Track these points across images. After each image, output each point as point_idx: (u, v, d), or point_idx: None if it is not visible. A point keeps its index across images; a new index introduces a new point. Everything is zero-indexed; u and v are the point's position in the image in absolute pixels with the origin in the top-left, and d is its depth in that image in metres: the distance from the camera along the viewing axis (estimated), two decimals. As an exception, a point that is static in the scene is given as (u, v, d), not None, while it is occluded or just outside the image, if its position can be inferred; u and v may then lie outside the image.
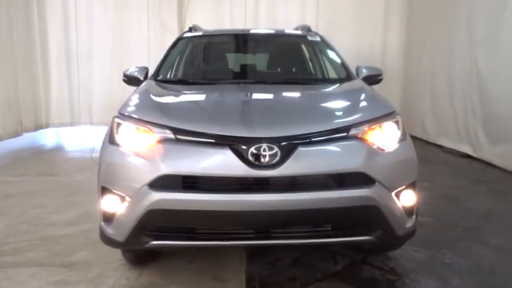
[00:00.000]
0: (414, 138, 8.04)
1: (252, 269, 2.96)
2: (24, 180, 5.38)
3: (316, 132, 2.32)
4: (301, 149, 2.26)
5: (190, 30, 4.23)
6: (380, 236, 2.43)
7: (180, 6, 8.78)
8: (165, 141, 2.34)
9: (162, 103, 2.78)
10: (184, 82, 3.46)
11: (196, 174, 2.25)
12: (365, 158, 2.32)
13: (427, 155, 6.96)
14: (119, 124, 2.52)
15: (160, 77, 3.44)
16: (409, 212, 2.57)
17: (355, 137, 2.40)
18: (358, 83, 3.27)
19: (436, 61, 7.64)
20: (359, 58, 8.93)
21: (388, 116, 2.61)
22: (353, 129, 2.42)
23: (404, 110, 8.97)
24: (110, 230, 2.46)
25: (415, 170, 2.60)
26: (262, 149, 2.22)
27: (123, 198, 2.37)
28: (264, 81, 3.39)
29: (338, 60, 3.71)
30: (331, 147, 2.33)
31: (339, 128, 2.39)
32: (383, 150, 2.43)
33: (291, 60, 4.11)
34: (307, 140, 2.30)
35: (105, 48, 8.82)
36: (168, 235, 2.37)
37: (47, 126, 8.95)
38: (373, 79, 3.61)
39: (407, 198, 2.53)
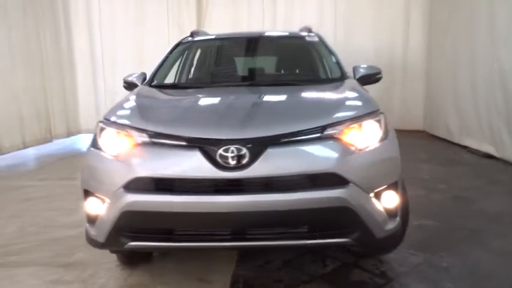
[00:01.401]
0: (439, 139, 7.94)
1: (239, 271, 2.98)
2: (45, 184, 5.60)
3: (286, 134, 2.31)
4: (270, 150, 2.26)
5: (191, 35, 4.29)
6: (358, 239, 2.38)
7: (199, 11, 8.93)
8: (141, 144, 2.40)
9: (144, 107, 2.83)
10: (176, 86, 3.51)
11: (166, 177, 2.29)
12: (338, 158, 2.29)
13: (449, 156, 6.77)
14: (102, 129, 2.61)
15: (155, 82, 3.52)
16: (391, 213, 2.50)
17: (330, 137, 2.37)
18: (348, 82, 3.22)
19: (458, 59, 7.40)
20: (379, 57, 8.82)
21: (369, 115, 2.57)
22: (328, 129, 2.38)
23: (428, 110, 8.78)
24: (92, 231, 2.54)
25: (396, 170, 2.53)
26: (230, 151, 2.23)
27: (103, 201, 2.44)
28: (255, 83, 3.40)
29: (333, 61, 3.68)
30: (303, 148, 2.31)
31: (311, 128, 2.36)
32: (360, 150, 2.39)
33: (287, 61, 4.10)
34: (276, 141, 2.29)
35: (128, 55, 9.07)
36: (145, 236, 2.42)
37: (77, 132, 9.27)
38: (371, 78, 3.56)
39: (388, 199, 2.47)
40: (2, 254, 3.41)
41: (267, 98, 2.97)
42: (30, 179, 5.89)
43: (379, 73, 3.58)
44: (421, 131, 8.94)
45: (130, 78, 3.68)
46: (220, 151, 2.24)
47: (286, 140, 2.31)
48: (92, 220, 2.54)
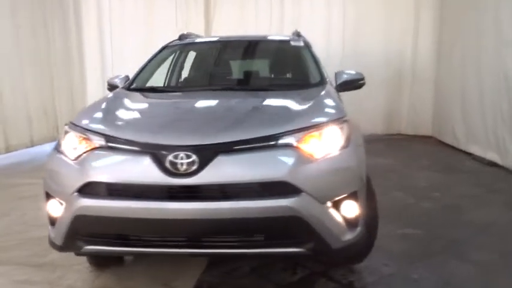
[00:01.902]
0: (445, 145, 7.77)
1: (205, 277, 2.96)
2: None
3: (237, 141, 2.28)
4: (220, 157, 2.23)
5: (180, 38, 4.28)
6: (313, 249, 2.33)
7: (207, 10, 8.96)
8: (98, 149, 2.41)
9: (108, 112, 2.82)
10: (153, 90, 3.49)
11: (118, 182, 2.29)
12: (291, 166, 2.24)
13: (452, 163, 6.59)
14: (66, 132, 2.62)
15: (134, 85, 3.51)
16: (351, 223, 2.44)
17: (285, 145, 2.32)
18: (322, 89, 3.14)
19: (466, 66, 7.18)
20: (388, 62, 8.69)
21: (332, 122, 2.51)
22: (285, 136, 2.33)
23: (436, 116, 8.60)
24: (52, 234, 2.55)
25: (355, 179, 2.45)
26: (179, 157, 2.22)
27: (61, 204, 2.45)
28: (231, 88, 3.36)
29: (314, 66, 3.60)
30: (255, 156, 2.27)
31: (265, 136, 2.31)
32: (317, 158, 2.33)
33: (267, 66, 4.05)
34: (227, 148, 2.26)
35: (138, 53, 9.08)
36: (101, 241, 2.41)
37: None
38: (353, 84, 3.48)
39: (346, 209, 2.41)
40: (-18, 253, 3.48)
41: (231, 103, 2.93)
42: (30, 177, 5.99)
43: (362, 79, 3.50)
44: (430, 136, 8.74)
45: (114, 81, 3.69)
46: (170, 157, 2.23)
47: (238, 147, 2.27)
48: (52, 223, 2.56)
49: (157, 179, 2.22)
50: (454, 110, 7.60)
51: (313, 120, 2.50)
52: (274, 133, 2.34)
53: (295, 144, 2.34)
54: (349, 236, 2.43)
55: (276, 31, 8.68)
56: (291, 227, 2.28)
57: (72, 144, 2.52)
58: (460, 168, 6.28)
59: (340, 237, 2.39)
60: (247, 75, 3.83)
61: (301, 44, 3.91)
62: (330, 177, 2.35)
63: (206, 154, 2.23)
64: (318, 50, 8.78)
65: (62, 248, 2.51)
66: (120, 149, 2.36)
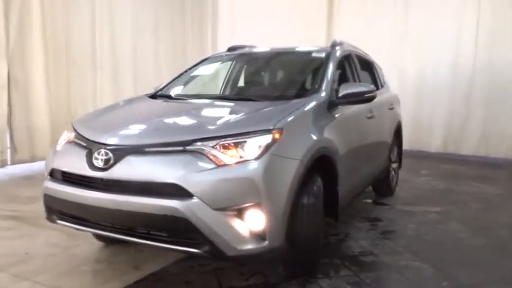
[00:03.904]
0: None
1: (170, 267, 3.25)
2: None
3: (146, 144, 2.59)
4: (129, 157, 2.55)
5: (229, 49, 4.57)
6: (208, 252, 2.45)
7: (329, 22, 9.02)
8: (70, 142, 2.98)
9: (101, 113, 3.36)
10: (168, 97, 3.89)
11: (65, 170, 2.82)
12: (185, 171, 2.41)
13: None
14: (68, 130, 3.27)
15: (160, 92, 3.99)
16: (257, 234, 2.48)
17: (193, 151, 2.50)
18: (295, 100, 3.13)
19: None
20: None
21: (251, 133, 2.57)
22: (195, 143, 2.52)
23: None
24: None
25: (257, 191, 2.44)
26: (100, 154, 2.61)
27: (46, 183, 3.09)
28: (225, 97, 3.54)
29: (321, 78, 3.48)
30: (158, 159, 2.51)
31: (173, 141, 2.55)
32: (218, 166, 2.44)
33: (271, 77, 4.04)
34: (137, 150, 2.58)
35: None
36: (66, 217, 2.95)
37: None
38: (357, 97, 3.35)
39: (250, 219, 2.47)
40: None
41: (184, 111, 3.21)
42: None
43: (368, 92, 3.33)
44: None
45: (157, 87, 4.23)
46: (95, 153, 2.65)
47: (147, 149, 2.56)
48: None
49: (85, 170, 2.67)
50: None
51: (230, 130, 2.62)
52: (183, 139, 2.55)
53: (204, 151, 2.50)
54: (250, 246, 2.47)
55: (396, 42, 8.28)
56: (180, 228, 2.45)
57: (65, 137, 3.14)
58: None
59: (236, 246, 2.45)
60: (256, 86, 3.94)
61: (322, 55, 3.81)
62: (226, 185, 2.43)
63: (119, 153, 2.58)
64: (442, 62, 7.93)
65: (47, 219, 3.13)
66: (76, 143, 2.89)
